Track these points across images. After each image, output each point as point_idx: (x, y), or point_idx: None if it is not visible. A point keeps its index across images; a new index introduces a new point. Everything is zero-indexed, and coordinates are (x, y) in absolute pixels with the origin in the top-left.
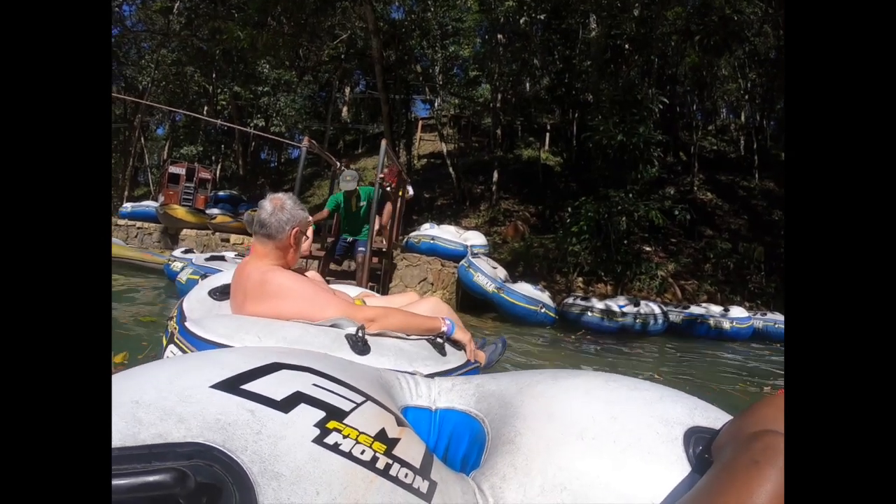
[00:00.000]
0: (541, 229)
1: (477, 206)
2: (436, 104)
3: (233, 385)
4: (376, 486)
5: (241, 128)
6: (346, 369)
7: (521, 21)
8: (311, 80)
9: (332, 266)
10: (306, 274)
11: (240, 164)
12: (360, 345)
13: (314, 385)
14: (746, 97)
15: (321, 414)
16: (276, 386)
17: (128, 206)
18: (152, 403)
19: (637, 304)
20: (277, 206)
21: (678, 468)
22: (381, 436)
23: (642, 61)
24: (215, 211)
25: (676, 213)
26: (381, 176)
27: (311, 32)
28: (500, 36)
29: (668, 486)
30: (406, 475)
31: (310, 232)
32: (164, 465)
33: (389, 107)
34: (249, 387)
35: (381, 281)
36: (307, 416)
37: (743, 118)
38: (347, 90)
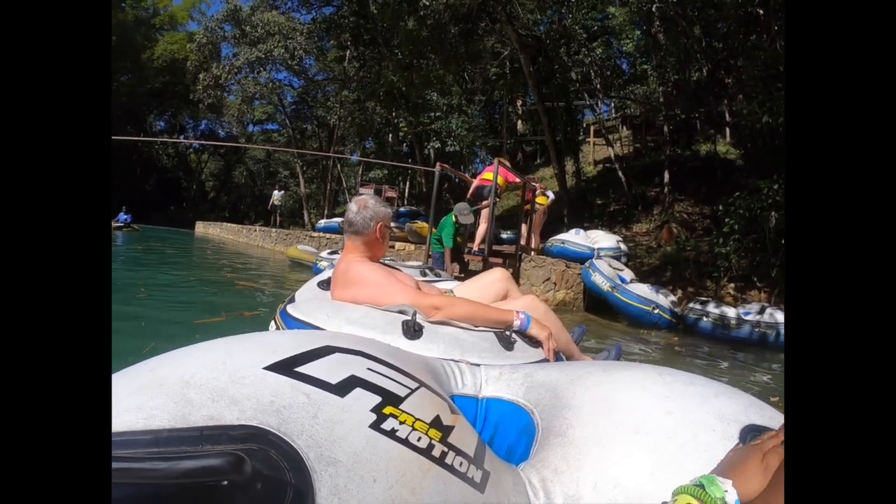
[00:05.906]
0: (713, 232)
1: (650, 210)
2: (597, 108)
3: (287, 367)
4: (433, 475)
5: (338, 155)
6: (395, 355)
7: (654, 8)
8: (482, 98)
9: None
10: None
11: (422, 181)
12: (412, 330)
13: (368, 369)
14: None
15: (377, 399)
16: (330, 369)
17: (321, 223)
18: (204, 384)
19: (761, 313)
20: (361, 206)
21: None
22: (437, 423)
23: None
24: None
25: None
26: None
27: (471, 57)
28: (656, 23)
29: None
30: (461, 464)
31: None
32: (218, 449)
33: (549, 117)
34: (304, 369)
35: None
36: (363, 401)
37: None
38: (520, 103)
